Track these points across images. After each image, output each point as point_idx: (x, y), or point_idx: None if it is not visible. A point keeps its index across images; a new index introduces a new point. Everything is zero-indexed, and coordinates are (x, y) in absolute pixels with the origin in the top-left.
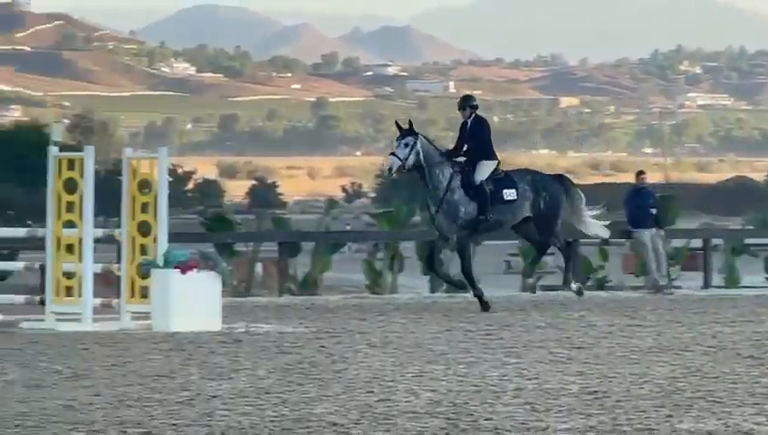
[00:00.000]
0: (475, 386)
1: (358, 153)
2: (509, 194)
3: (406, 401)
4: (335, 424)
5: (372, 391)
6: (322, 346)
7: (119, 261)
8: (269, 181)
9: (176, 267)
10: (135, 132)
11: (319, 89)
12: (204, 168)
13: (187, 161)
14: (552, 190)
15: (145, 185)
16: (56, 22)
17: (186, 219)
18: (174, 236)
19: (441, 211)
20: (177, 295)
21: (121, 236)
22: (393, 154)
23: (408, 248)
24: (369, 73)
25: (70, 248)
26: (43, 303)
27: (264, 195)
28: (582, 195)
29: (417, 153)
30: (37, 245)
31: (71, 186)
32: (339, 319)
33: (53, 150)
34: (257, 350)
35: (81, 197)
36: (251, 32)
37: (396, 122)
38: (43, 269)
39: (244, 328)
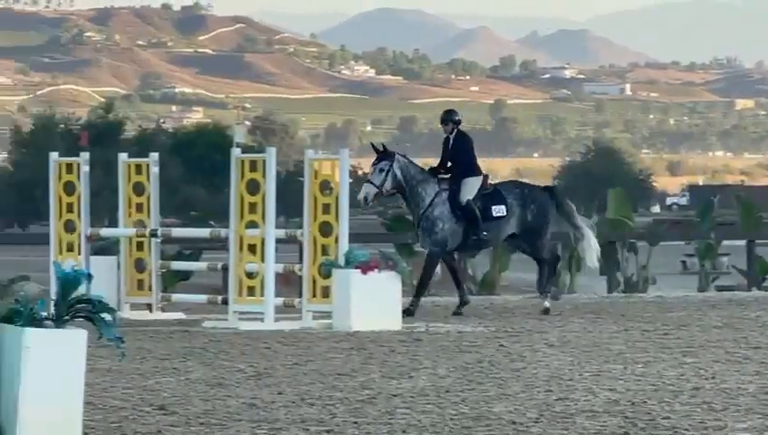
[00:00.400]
0: (653, 385)
1: (535, 155)
2: (498, 210)
3: (584, 400)
4: (514, 422)
5: (551, 390)
6: (501, 345)
7: (300, 261)
8: None
9: (356, 267)
10: (315, 134)
11: (497, 91)
12: None
13: (367, 162)
14: (540, 202)
15: (326, 186)
16: (238, 25)
17: (366, 220)
18: (354, 237)
19: (420, 227)
20: (358, 295)
21: (303, 237)
22: (368, 182)
23: None
24: (547, 76)
25: (252, 249)
26: (225, 302)
27: None
28: (573, 206)
29: (395, 176)
30: (220, 245)
31: (253, 187)
32: (517, 318)
33: (236, 152)
34: (437, 349)
35: (263, 198)
36: (429, 35)
37: (371, 144)
38: (225, 269)
39: (424, 327)
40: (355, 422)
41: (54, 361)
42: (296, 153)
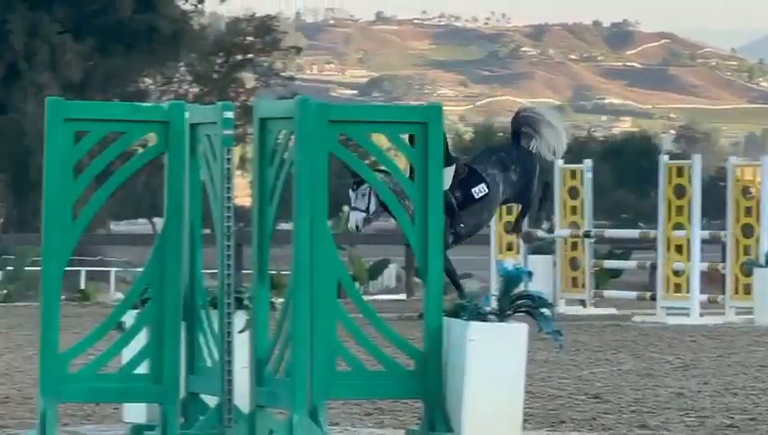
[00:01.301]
0: None
1: None
2: (479, 191)
3: None
4: None
5: None
6: None
7: (723, 260)
8: None
9: None
10: (735, 142)
11: None
12: None
13: None
14: (520, 160)
15: (747, 190)
16: (663, 40)
17: None
18: None
19: None
20: None
21: (726, 238)
22: (354, 208)
23: None
24: None
25: (678, 248)
26: (653, 298)
27: None
28: (540, 113)
29: (377, 195)
30: (648, 245)
31: (679, 191)
32: None
33: (664, 159)
34: None
35: (689, 201)
36: None
37: (347, 168)
38: (653, 267)
39: None
40: None
41: (497, 352)
42: (717, 160)
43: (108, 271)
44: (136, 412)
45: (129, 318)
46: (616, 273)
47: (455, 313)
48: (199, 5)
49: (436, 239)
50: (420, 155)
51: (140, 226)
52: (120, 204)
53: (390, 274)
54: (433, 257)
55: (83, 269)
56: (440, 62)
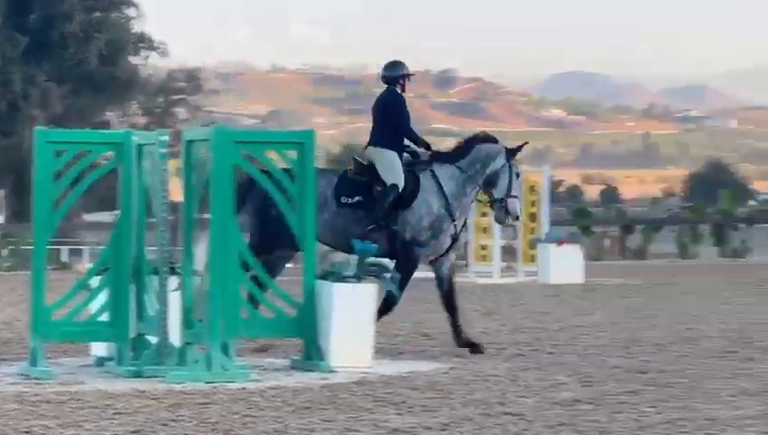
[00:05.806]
0: None
1: None
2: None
3: None
4: None
5: None
6: None
7: (515, 238)
8: None
9: None
10: (524, 154)
11: None
12: None
13: None
14: None
15: (533, 189)
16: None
17: None
18: None
19: None
20: None
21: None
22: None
23: None
24: None
25: (485, 230)
26: (466, 265)
27: None
28: None
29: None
30: None
31: None
32: None
33: None
34: None
35: None
36: None
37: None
38: (466, 243)
39: None
40: None
41: (354, 304)
42: None
43: (82, 248)
44: (99, 349)
45: (94, 282)
46: None
47: (324, 276)
48: (146, 60)
49: (311, 222)
50: (299, 163)
51: (106, 216)
52: (90, 200)
53: None
54: (309, 236)
55: (65, 248)
56: (317, 99)
